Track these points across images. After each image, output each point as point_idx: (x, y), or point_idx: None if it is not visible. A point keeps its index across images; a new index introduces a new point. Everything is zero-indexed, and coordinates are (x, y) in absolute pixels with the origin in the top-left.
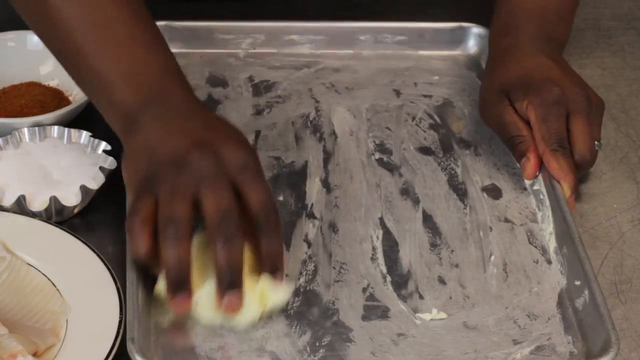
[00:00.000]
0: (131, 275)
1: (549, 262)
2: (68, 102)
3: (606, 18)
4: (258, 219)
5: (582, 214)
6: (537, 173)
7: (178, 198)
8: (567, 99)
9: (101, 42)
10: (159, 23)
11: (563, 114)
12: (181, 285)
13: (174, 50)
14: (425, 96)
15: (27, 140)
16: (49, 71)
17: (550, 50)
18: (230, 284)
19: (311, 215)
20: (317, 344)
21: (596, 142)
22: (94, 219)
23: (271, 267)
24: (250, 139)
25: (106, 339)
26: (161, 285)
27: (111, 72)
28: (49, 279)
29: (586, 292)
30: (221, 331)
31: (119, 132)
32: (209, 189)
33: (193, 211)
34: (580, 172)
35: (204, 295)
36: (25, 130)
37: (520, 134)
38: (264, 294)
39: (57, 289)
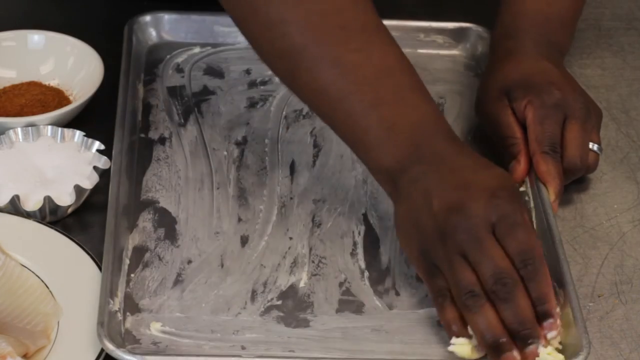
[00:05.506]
0: (107, 259)
1: None
2: (68, 102)
3: (606, 18)
4: (519, 267)
5: (583, 214)
6: (524, 178)
7: (457, 267)
8: (566, 104)
9: (349, 112)
10: (160, 14)
11: (560, 118)
12: (504, 347)
13: (175, 40)
14: None
15: (21, 140)
16: (49, 71)
17: (551, 56)
18: (525, 341)
19: (296, 209)
20: (289, 335)
21: (596, 147)
22: (88, 219)
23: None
24: (242, 130)
25: (96, 341)
26: (458, 347)
27: (362, 142)
28: (41, 280)
29: (562, 294)
30: (195, 318)
31: (389, 194)
32: (476, 252)
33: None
34: (569, 178)
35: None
36: (19, 129)
37: (513, 136)
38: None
39: (50, 290)
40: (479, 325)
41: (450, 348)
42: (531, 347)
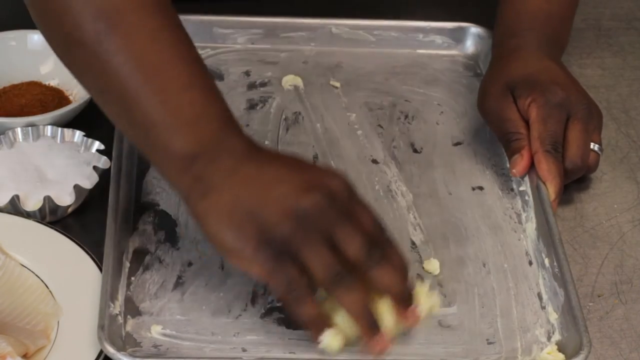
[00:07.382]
0: (107, 263)
1: (530, 263)
2: (68, 102)
3: (606, 18)
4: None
5: (583, 214)
6: (525, 173)
7: (321, 249)
8: (569, 103)
9: (160, 90)
10: None
11: (563, 118)
12: (375, 327)
13: None
14: (420, 95)
15: (21, 140)
16: (50, 70)
17: (552, 53)
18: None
19: None
20: (290, 337)
21: (597, 147)
22: (88, 219)
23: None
24: None
25: (97, 341)
26: (331, 340)
27: (169, 121)
28: (41, 280)
29: (562, 294)
30: (196, 321)
31: (181, 188)
32: (347, 227)
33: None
34: (570, 178)
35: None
36: (19, 129)
37: (518, 131)
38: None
39: (50, 290)
40: (357, 303)
41: (323, 345)
42: (378, 341)
